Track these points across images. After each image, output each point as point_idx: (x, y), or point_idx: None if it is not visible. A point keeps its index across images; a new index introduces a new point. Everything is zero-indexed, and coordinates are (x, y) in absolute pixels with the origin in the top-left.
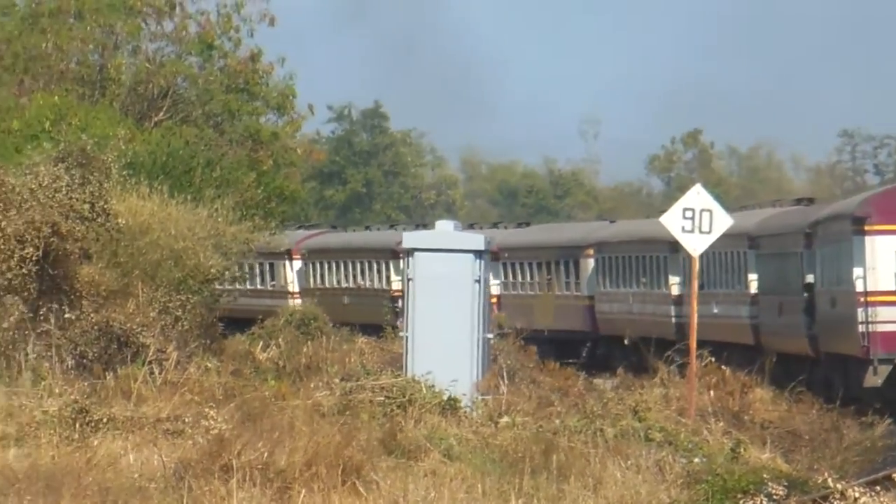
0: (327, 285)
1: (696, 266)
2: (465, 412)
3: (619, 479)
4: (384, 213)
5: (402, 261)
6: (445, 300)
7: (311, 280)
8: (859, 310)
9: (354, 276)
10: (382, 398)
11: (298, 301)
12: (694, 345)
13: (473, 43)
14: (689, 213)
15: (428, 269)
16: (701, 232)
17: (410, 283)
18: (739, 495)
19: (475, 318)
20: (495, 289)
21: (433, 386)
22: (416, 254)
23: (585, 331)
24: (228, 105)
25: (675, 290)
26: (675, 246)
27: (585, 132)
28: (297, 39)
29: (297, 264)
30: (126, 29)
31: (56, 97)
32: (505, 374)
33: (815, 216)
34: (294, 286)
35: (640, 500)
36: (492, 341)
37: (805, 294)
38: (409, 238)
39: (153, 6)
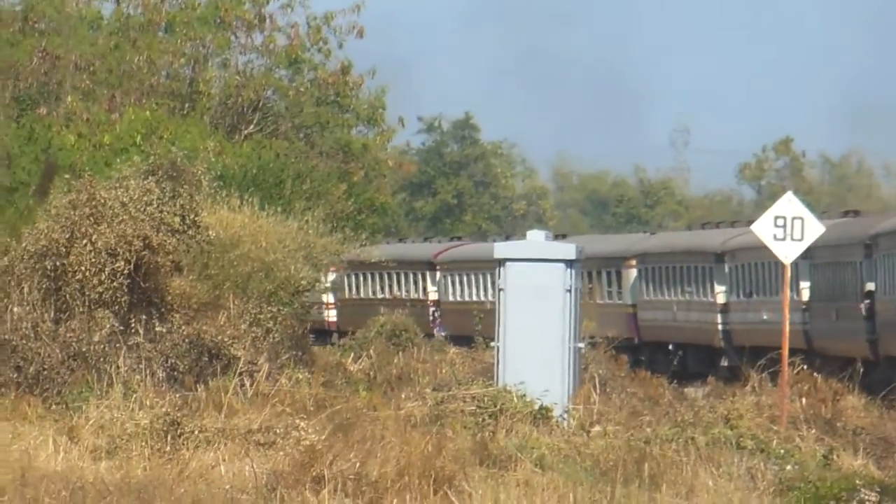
0: (361, 295)
1: (788, 273)
2: (557, 422)
3: (711, 487)
4: (474, 224)
5: (496, 271)
6: (537, 310)
7: (347, 292)
8: None
9: (390, 287)
10: (474, 408)
11: (333, 312)
12: (786, 352)
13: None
14: (780, 221)
15: (519, 279)
16: (793, 239)
17: (502, 293)
18: (832, 502)
19: (567, 328)
20: None
21: (524, 395)
22: (508, 264)
23: (629, 337)
24: (318, 117)
25: (720, 299)
26: (720, 257)
27: (675, 141)
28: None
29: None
30: (216, 42)
31: (147, 112)
32: (596, 383)
33: (873, 229)
34: (329, 297)
35: None
36: (583, 350)
37: (867, 301)
38: (501, 249)
39: (243, 19)
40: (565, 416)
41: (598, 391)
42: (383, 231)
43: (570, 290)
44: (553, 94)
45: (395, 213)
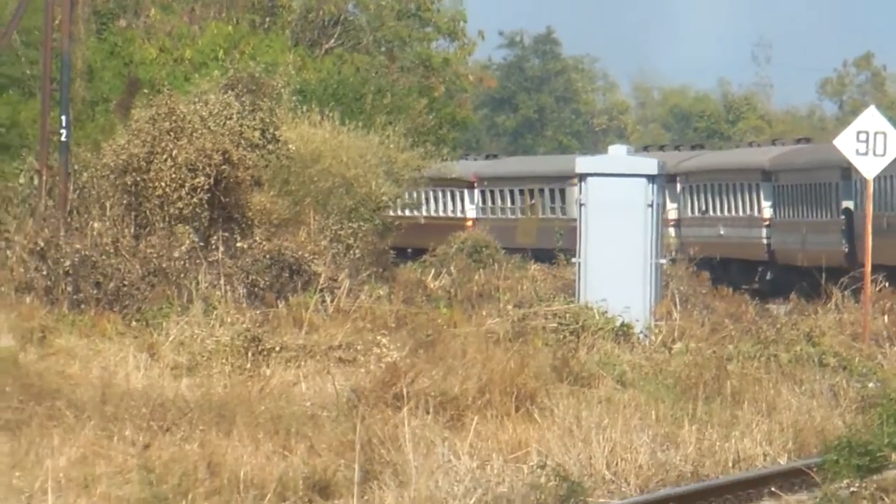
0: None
1: (871, 188)
2: (638, 338)
3: (792, 404)
4: (556, 140)
5: (577, 187)
6: (618, 225)
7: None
8: None
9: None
10: (555, 325)
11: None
12: (868, 269)
13: None
14: (862, 136)
15: (601, 194)
16: (875, 154)
17: (583, 208)
18: None
19: (648, 244)
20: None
21: (606, 312)
22: (589, 179)
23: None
24: (399, 32)
25: (766, 214)
26: (767, 175)
27: (757, 56)
28: None
29: None
30: None
31: (230, 27)
32: (678, 299)
33: None
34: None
35: (814, 424)
36: (664, 267)
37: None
38: (582, 163)
39: None
40: (647, 332)
41: (678, 308)
42: (464, 146)
43: (651, 206)
44: (634, 9)
45: (476, 128)
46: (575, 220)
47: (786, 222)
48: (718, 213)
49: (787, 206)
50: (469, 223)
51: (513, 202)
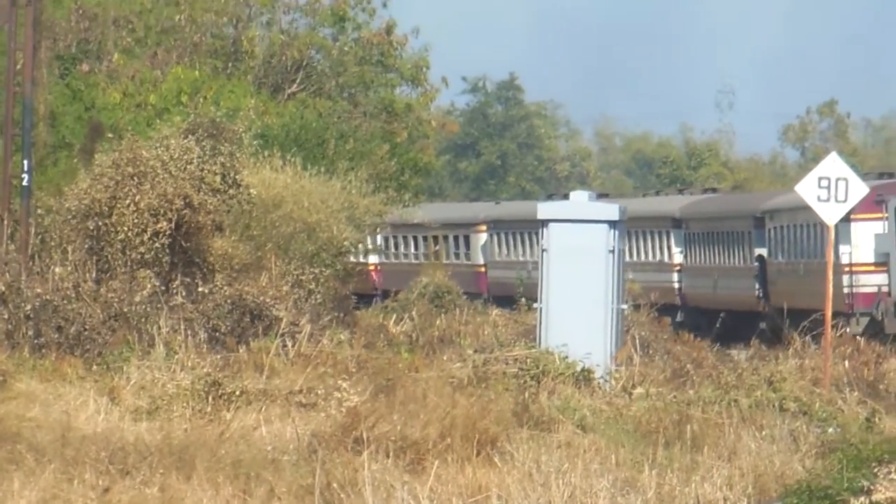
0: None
1: (832, 235)
2: (599, 383)
3: (753, 449)
4: (518, 186)
5: (539, 232)
6: (580, 271)
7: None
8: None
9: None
10: (516, 370)
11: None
12: (829, 314)
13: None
14: (824, 182)
15: (562, 240)
16: (837, 201)
17: (545, 253)
18: (874, 464)
19: (609, 289)
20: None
21: (567, 357)
22: (551, 224)
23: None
24: (362, 77)
25: (677, 259)
26: (678, 222)
27: (720, 103)
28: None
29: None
30: (260, 1)
31: (196, 72)
32: (638, 344)
33: (764, 205)
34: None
35: (774, 470)
36: (626, 312)
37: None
38: (544, 209)
39: None
40: (607, 377)
41: (640, 353)
42: (426, 192)
43: (612, 251)
44: (597, 55)
45: (438, 174)
46: (478, 265)
47: (697, 267)
48: (634, 258)
49: (697, 252)
50: (371, 268)
51: (416, 248)
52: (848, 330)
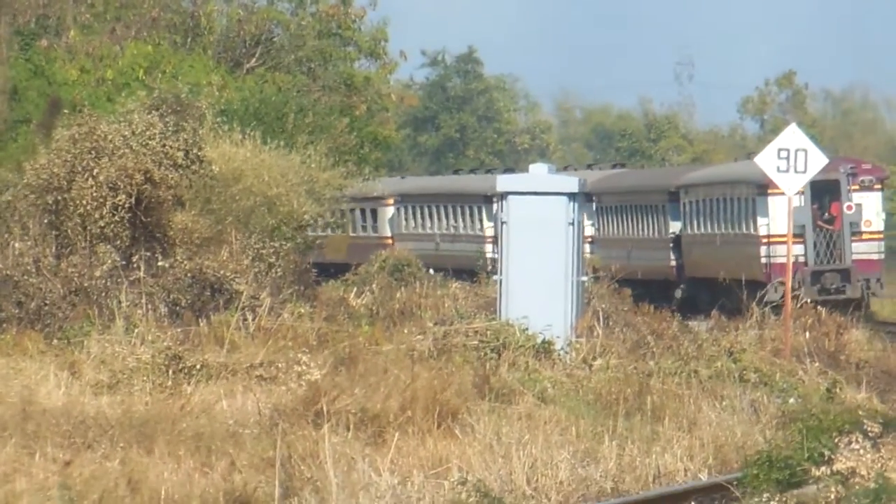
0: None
1: (791, 206)
2: (560, 355)
3: (713, 419)
4: (478, 159)
5: (495, 205)
6: (539, 243)
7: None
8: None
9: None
10: (476, 342)
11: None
12: (789, 286)
13: None
14: (783, 154)
15: (522, 212)
16: (796, 171)
17: (504, 226)
18: (835, 434)
19: (569, 261)
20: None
21: (527, 329)
22: (510, 197)
23: None
24: (321, 51)
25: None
26: (588, 196)
27: (680, 74)
28: None
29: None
30: None
31: (150, 46)
32: (599, 316)
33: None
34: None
35: (734, 440)
36: (586, 284)
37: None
38: (503, 181)
39: None
40: (568, 349)
41: (600, 324)
42: (386, 166)
43: (572, 223)
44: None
45: (398, 147)
46: (382, 237)
47: (609, 239)
48: None
49: (610, 224)
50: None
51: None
52: (766, 298)
